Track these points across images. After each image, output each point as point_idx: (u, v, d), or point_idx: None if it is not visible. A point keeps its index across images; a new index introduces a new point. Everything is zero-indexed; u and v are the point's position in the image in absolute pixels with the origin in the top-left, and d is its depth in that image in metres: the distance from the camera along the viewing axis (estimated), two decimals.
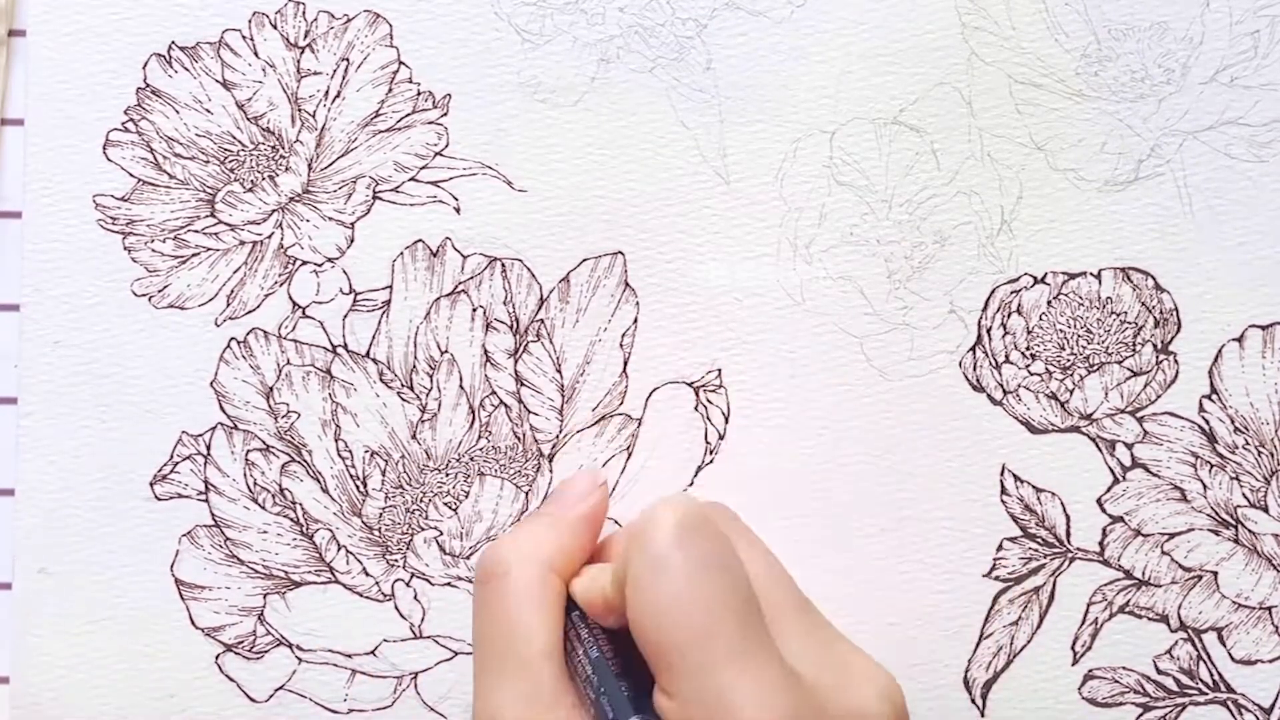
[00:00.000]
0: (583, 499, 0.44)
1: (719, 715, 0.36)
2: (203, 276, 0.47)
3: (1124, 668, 0.47)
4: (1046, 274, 0.47)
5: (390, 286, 0.47)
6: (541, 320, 0.47)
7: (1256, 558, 0.47)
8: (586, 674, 0.39)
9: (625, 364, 0.47)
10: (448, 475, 0.47)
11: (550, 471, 0.47)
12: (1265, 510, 0.47)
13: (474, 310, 0.47)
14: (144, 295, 0.47)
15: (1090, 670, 0.47)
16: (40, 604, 0.47)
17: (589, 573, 0.42)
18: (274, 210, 0.48)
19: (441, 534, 0.47)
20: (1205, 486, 0.47)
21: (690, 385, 0.47)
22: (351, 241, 0.48)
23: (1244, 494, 0.47)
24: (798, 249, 0.47)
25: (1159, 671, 0.47)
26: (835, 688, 0.39)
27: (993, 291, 0.47)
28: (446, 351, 0.47)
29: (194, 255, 0.47)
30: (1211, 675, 0.47)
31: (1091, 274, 0.47)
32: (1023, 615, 0.47)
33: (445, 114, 0.48)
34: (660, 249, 0.47)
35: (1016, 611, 0.47)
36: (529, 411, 0.47)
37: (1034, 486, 0.47)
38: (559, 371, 0.47)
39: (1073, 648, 0.47)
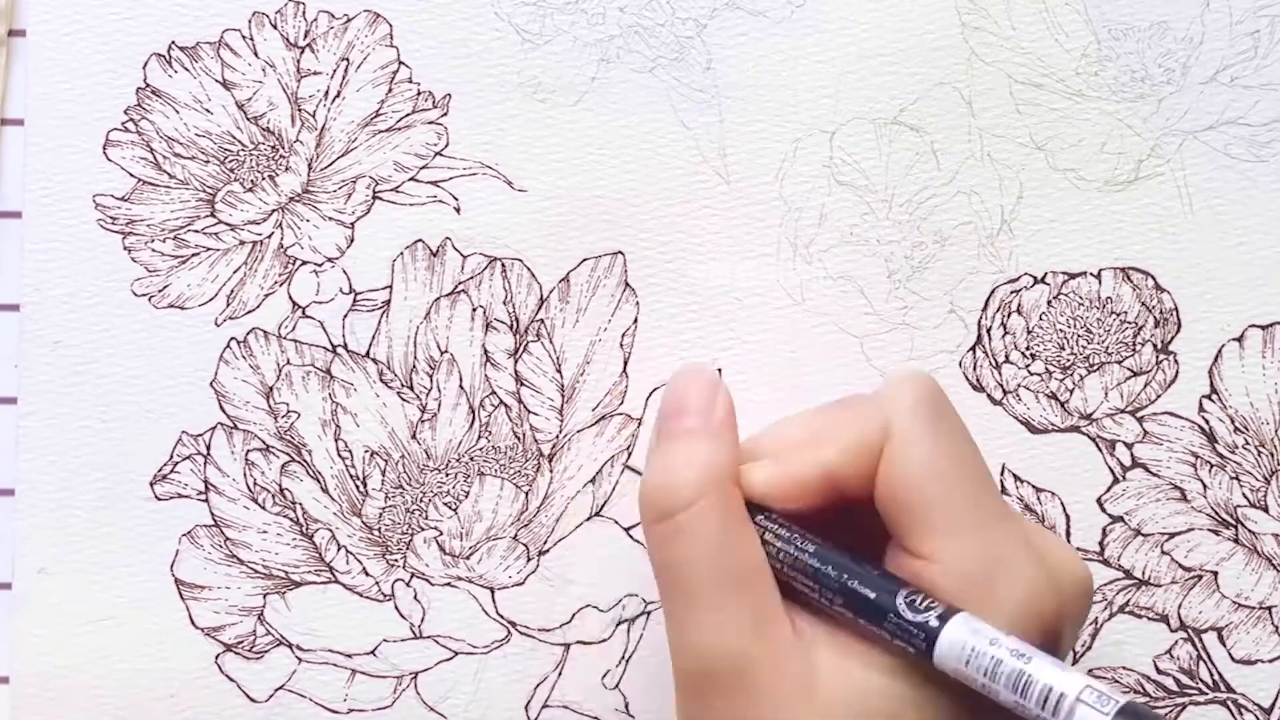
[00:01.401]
0: (714, 402, 0.41)
1: (994, 572, 0.36)
2: (203, 276, 0.47)
3: (1124, 668, 0.47)
4: (1046, 274, 0.47)
5: (390, 286, 0.47)
6: (541, 320, 0.47)
7: (1256, 558, 0.47)
8: (813, 568, 0.38)
9: (625, 364, 0.47)
10: (448, 475, 0.47)
11: (550, 471, 0.47)
12: (1265, 510, 0.47)
13: (474, 310, 0.47)
14: (144, 295, 0.47)
15: (1090, 670, 0.47)
16: (40, 604, 0.47)
17: (764, 468, 0.40)
18: (274, 210, 0.48)
19: (441, 534, 0.47)
20: (1205, 486, 0.47)
21: None
22: (351, 241, 0.48)
23: (1244, 494, 0.47)
24: (798, 249, 0.47)
25: (1159, 671, 0.47)
26: (1051, 557, 0.39)
27: (993, 291, 0.47)
28: (446, 351, 0.47)
29: (194, 255, 0.47)
30: (1211, 675, 0.47)
31: (1091, 274, 0.47)
32: None
33: (445, 114, 0.48)
34: (660, 249, 0.47)
35: None
36: (529, 411, 0.47)
37: (1034, 486, 0.47)
38: (559, 371, 0.47)
39: (1073, 647, 0.47)
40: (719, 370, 0.47)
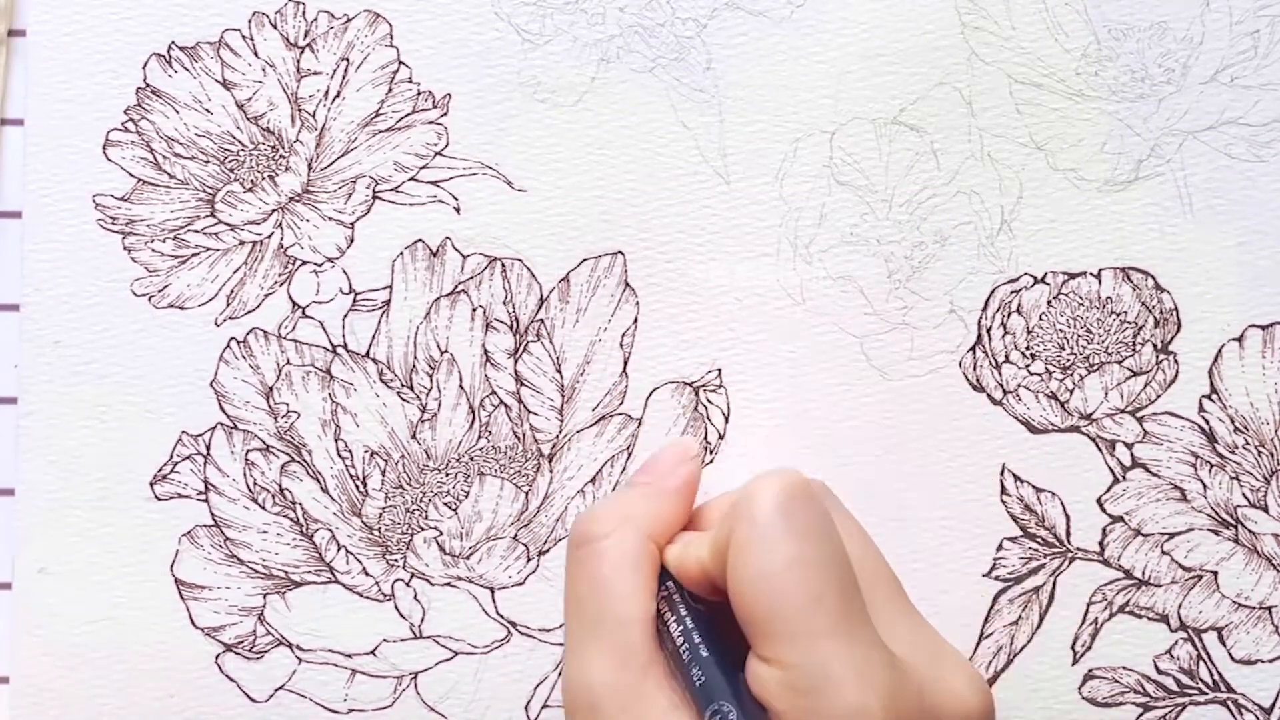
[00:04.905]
0: (676, 469, 0.43)
1: (820, 685, 0.36)
2: (203, 276, 0.47)
3: (1124, 668, 0.47)
4: (1046, 274, 0.47)
5: (390, 286, 0.47)
6: (541, 320, 0.47)
7: (1256, 558, 0.47)
8: (677, 645, 0.39)
9: (625, 364, 0.47)
10: (448, 475, 0.47)
11: (550, 471, 0.47)
12: (1265, 510, 0.47)
13: (474, 310, 0.47)
14: (144, 295, 0.47)
15: (1090, 670, 0.47)
16: (40, 604, 0.47)
17: (682, 540, 0.42)
18: (274, 210, 0.48)
19: (441, 534, 0.47)
20: (1205, 486, 0.47)
21: (690, 385, 0.47)
22: (351, 241, 0.48)
23: (1244, 494, 0.47)
24: (798, 249, 0.47)
25: (1159, 671, 0.47)
26: (928, 671, 0.39)
27: (993, 291, 0.47)
28: (446, 351, 0.47)
29: (194, 255, 0.47)
30: (1211, 675, 0.47)
31: (1091, 274, 0.47)
32: (1023, 615, 0.47)
33: (445, 114, 0.48)
34: (660, 249, 0.47)
35: (1016, 611, 0.47)
36: (529, 411, 0.47)
37: (1034, 486, 0.47)
38: (559, 371, 0.47)
39: (1073, 648, 0.47)
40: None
